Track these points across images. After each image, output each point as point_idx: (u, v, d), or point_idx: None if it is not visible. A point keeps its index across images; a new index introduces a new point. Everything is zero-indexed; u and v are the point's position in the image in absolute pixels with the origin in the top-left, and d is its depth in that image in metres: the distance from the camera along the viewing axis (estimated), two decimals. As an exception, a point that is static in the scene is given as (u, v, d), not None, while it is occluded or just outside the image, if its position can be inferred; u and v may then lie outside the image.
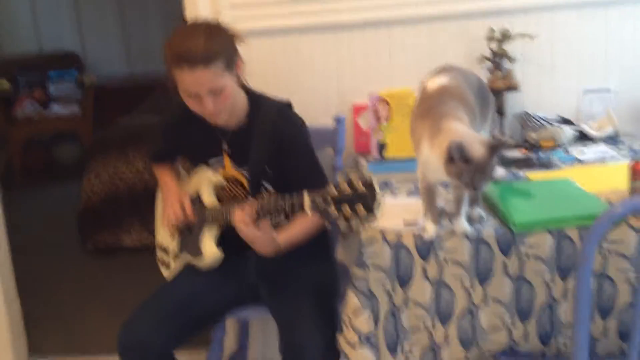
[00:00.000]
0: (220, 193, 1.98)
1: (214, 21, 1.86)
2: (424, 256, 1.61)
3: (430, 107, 1.60)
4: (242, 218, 1.75)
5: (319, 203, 1.58)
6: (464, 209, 1.61)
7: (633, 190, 1.59)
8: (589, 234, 1.35)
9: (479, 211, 1.66)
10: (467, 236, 1.58)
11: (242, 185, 1.96)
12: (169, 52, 1.76)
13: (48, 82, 5.53)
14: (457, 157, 1.43)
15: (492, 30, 2.24)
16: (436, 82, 1.66)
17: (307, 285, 1.90)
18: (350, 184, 1.55)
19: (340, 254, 2.32)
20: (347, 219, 1.55)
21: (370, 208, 1.53)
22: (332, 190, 1.56)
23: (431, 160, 1.53)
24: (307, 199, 1.61)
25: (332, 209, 1.55)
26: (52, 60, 5.69)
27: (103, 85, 5.71)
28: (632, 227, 1.55)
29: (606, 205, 1.61)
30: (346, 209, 1.54)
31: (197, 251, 1.93)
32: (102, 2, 5.96)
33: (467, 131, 1.52)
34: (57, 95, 5.48)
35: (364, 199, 1.53)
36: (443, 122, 1.53)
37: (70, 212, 4.01)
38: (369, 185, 1.54)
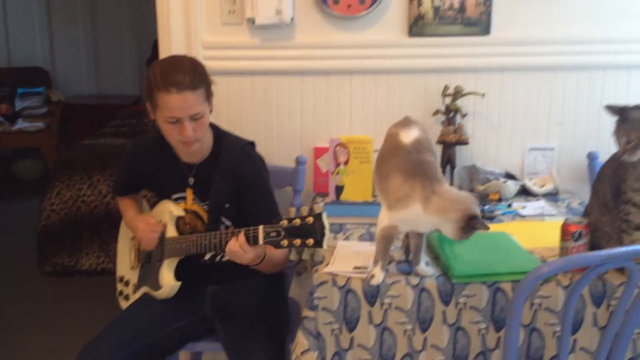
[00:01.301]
0: (181, 226, 2.06)
1: (194, 57, 1.99)
2: (370, 301, 1.72)
3: (412, 163, 1.68)
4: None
5: (272, 235, 1.71)
6: (423, 255, 1.75)
7: (563, 250, 1.72)
8: (517, 290, 1.48)
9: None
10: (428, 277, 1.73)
11: (202, 219, 2.05)
12: (157, 77, 1.85)
13: (15, 97, 5.53)
14: (478, 228, 1.60)
15: (446, 87, 2.40)
16: (411, 136, 1.73)
17: (260, 322, 1.98)
18: (301, 217, 1.68)
19: (294, 292, 2.42)
20: (297, 250, 1.68)
21: (317, 240, 1.66)
22: (284, 223, 1.70)
23: (423, 219, 1.64)
24: (261, 232, 1.73)
25: (284, 241, 1.69)
26: (21, 75, 5.70)
27: (70, 103, 5.74)
28: (560, 284, 1.68)
29: (538, 262, 1.75)
30: (296, 240, 1.68)
31: (156, 284, 2.00)
32: (74, 21, 6.00)
33: (461, 195, 1.66)
34: (23, 110, 5.48)
35: (313, 232, 1.67)
36: (435, 186, 1.64)
37: (28, 231, 4.01)
38: (317, 219, 1.67)
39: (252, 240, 1.76)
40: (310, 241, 1.66)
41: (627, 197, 1.67)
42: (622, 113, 1.68)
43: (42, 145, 5.39)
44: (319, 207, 1.70)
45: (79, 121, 5.58)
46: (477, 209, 1.62)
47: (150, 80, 1.87)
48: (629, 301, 1.56)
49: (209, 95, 1.92)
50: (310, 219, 1.67)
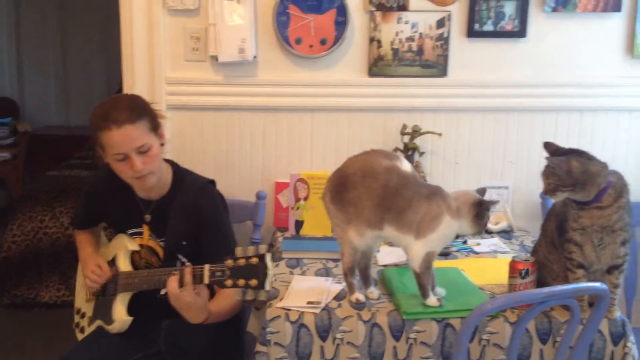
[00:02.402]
0: (137, 260, 2.06)
1: (133, 94, 2.03)
2: (322, 336, 1.73)
3: (426, 186, 1.78)
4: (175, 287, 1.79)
5: (217, 275, 1.71)
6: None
7: (511, 287, 1.77)
8: (463, 326, 1.51)
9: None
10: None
11: (157, 255, 2.05)
12: (97, 118, 1.87)
13: (-19, 128, 5.48)
14: (489, 206, 1.72)
15: (405, 126, 2.46)
16: (407, 164, 1.79)
17: (214, 356, 1.98)
18: (245, 257, 1.70)
19: (252, 326, 2.42)
20: (241, 290, 1.69)
21: (260, 281, 1.68)
22: (230, 263, 1.70)
23: (455, 228, 1.72)
24: (206, 271, 1.74)
25: (228, 281, 1.70)
26: (-13, 105, 5.67)
27: (37, 134, 5.70)
28: (507, 321, 1.72)
29: (487, 298, 1.79)
30: (240, 280, 1.69)
31: (109, 318, 1.99)
32: (44, 52, 5.99)
33: (460, 191, 1.77)
34: (-11, 140, 5.43)
35: (256, 272, 1.68)
36: (451, 194, 1.75)
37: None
38: (261, 260, 1.68)
39: (197, 279, 1.76)
40: (254, 282, 1.67)
41: (569, 235, 1.73)
42: (548, 154, 1.77)
43: (8, 175, 5.33)
44: (263, 247, 1.72)
45: (46, 152, 5.53)
46: (476, 195, 1.71)
47: (92, 124, 1.89)
48: (573, 337, 1.60)
49: (154, 127, 1.92)
50: (255, 260, 1.69)
